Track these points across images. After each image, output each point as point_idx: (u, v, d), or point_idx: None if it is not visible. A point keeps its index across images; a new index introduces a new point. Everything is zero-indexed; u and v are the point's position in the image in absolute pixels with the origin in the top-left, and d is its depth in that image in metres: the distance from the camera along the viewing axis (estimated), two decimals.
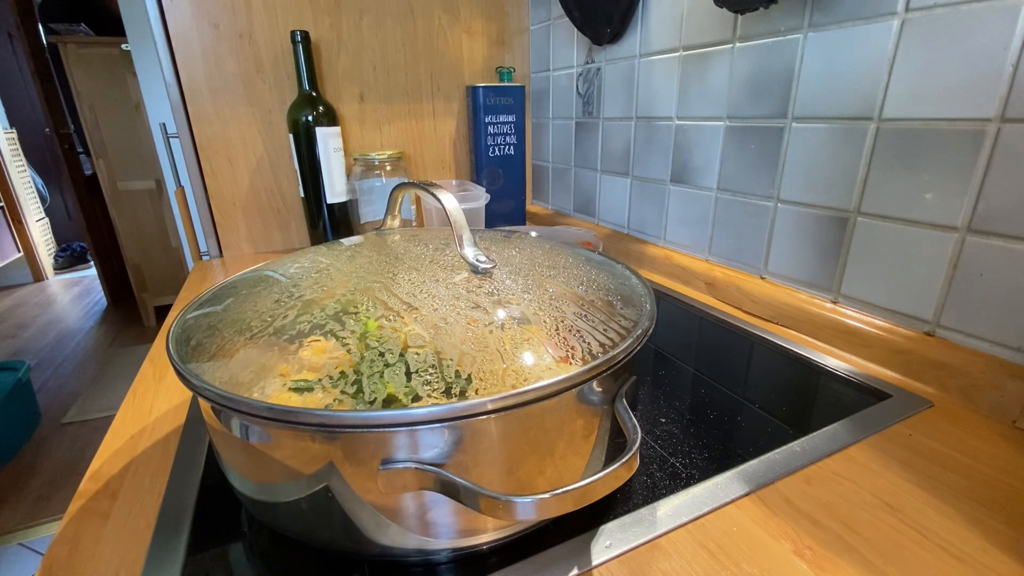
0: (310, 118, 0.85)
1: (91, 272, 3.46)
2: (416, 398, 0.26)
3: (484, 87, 0.96)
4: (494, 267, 0.37)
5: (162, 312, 2.62)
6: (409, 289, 0.34)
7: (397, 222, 0.51)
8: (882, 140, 0.50)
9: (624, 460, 0.25)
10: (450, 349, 0.28)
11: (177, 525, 0.34)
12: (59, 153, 2.77)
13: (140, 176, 2.43)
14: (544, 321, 0.31)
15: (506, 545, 0.31)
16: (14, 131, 3.23)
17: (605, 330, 0.32)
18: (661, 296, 0.72)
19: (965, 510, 0.34)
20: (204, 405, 0.30)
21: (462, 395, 0.26)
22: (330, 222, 0.92)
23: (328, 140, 0.87)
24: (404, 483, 0.26)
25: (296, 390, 0.27)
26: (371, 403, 0.26)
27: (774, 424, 0.43)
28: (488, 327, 0.30)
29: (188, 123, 0.86)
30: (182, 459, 0.40)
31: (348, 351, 0.29)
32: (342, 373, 0.27)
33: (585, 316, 0.33)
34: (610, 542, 0.32)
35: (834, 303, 0.57)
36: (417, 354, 0.28)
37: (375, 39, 0.94)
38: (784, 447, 0.40)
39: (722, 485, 0.36)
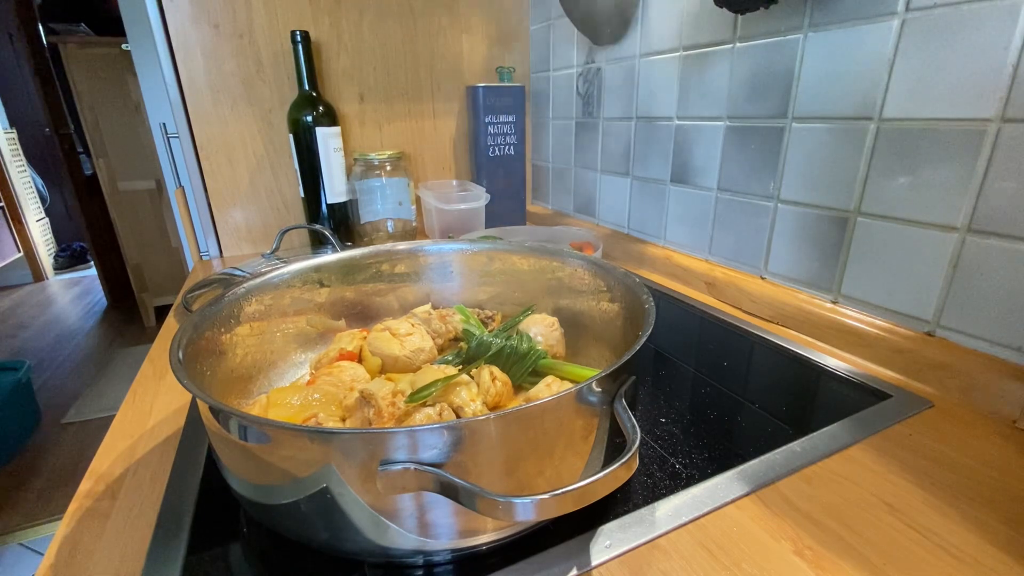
0: (310, 118, 0.85)
1: (91, 272, 3.46)
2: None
3: (484, 87, 0.96)
4: None
5: (162, 312, 2.62)
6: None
7: None
8: (882, 140, 0.50)
9: (623, 460, 0.25)
10: None
11: (177, 525, 0.34)
12: (59, 153, 2.76)
13: (140, 176, 2.43)
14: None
15: (506, 545, 0.31)
16: (14, 131, 3.23)
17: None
18: (661, 296, 0.72)
19: (965, 510, 0.34)
20: (203, 406, 0.30)
21: None
22: (330, 222, 0.92)
23: (328, 140, 0.87)
24: (403, 484, 0.25)
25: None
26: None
27: (774, 424, 0.43)
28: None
29: (188, 123, 0.86)
30: (182, 459, 0.40)
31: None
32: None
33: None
34: (610, 542, 0.32)
35: (834, 303, 0.57)
36: None
37: (375, 39, 0.94)
38: (784, 447, 0.40)
39: (722, 485, 0.36)
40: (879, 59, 0.49)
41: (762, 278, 0.66)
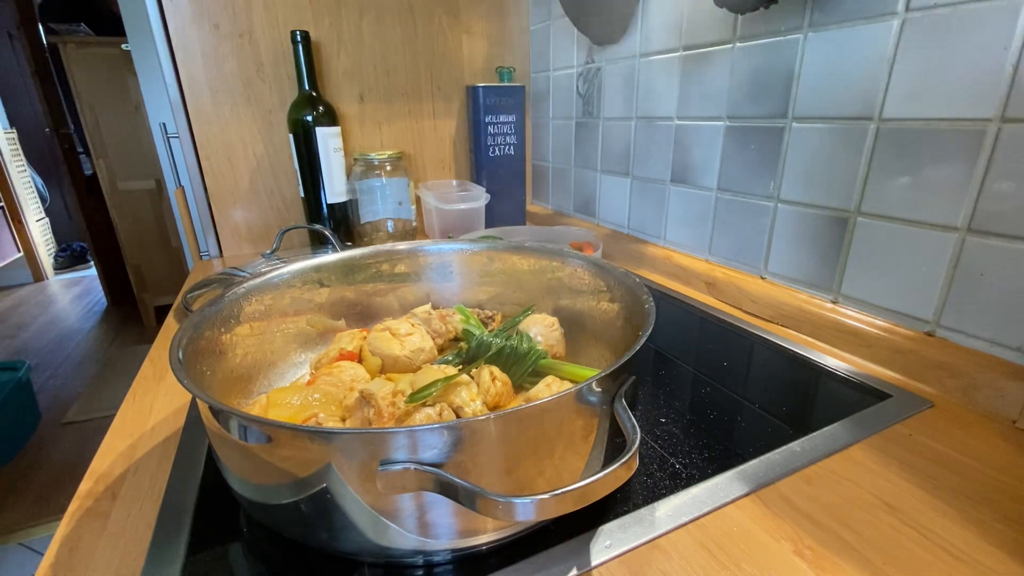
0: (310, 118, 0.85)
1: (91, 272, 3.46)
2: None
3: (484, 87, 0.96)
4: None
5: (162, 312, 2.62)
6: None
7: None
8: (882, 140, 0.50)
9: (623, 460, 0.25)
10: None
11: (177, 525, 0.34)
12: (59, 153, 2.77)
13: (140, 176, 2.43)
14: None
15: (506, 545, 0.31)
16: (14, 131, 3.23)
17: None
18: (661, 296, 0.72)
19: (965, 510, 0.34)
20: (203, 406, 0.30)
21: None
22: (330, 222, 0.92)
23: (328, 140, 0.87)
24: (403, 484, 0.25)
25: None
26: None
27: (774, 424, 0.43)
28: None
29: (188, 123, 0.86)
30: (182, 459, 0.40)
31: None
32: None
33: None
34: (610, 542, 0.32)
35: (834, 303, 0.57)
36: None
37: (375, 39, 0.94)
38: (784, 447, 0.40)
39: (722, 485, 0.36)
40: (879, 59, 0.49)
41: (762, 278, 0.66)
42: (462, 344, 0.49)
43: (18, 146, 3.27)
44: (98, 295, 3.09)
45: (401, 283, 0.56)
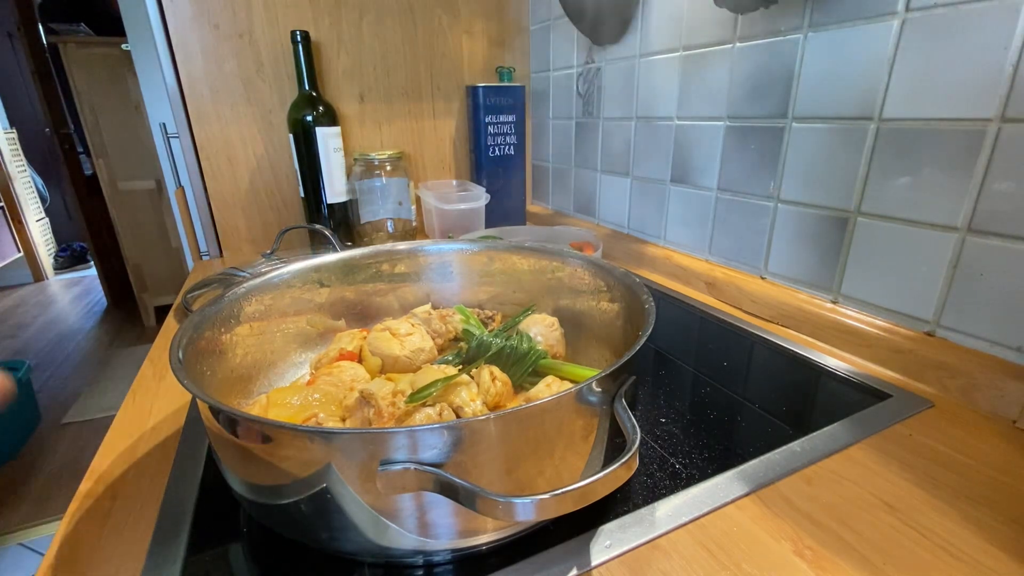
0: (310, 118, 0.85)
1: (91, 272, 3.45)
2: None
3: (484, 87, 0.96)
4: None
5: (162, 312, 2.62)
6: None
7: None
8: (882, 140, 0.50)
9: (623, 460, 0.25)
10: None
11: (177, 525, 0.34)
12: (59, 153, 2.76)
13: (140, 176, 2.42)
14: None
15: (506, 545, 0.31)
16: (14, 131, 3.23)
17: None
18: (661, 296, 0.72)
19: (965, 510, 0.34)
20: (203, 406, 0.30)
21: None
22: (330, 222, 0.92)
23: (328, 140, 0.87)
24: (403, 484, 0.25)
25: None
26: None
27: (774, 424, 0.43)
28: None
29: (188, 123, 0.86)
30: (182, 459, 0.40)
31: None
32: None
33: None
34: (610, 542, 0.32)
35: (834, 303, 0.57)
36: None
37: (375, 39, 0.94)
38: (784, 447, 0.40)
39: (722, 485, 0.36)
40: (879, 59, 0.49)
41: (762, 278, 0.66)
42: (462, 344, 0.49)
43: (18, 146, 3.26)
44: (98, 295, 3.09)
45: (401, 283, 0.56)
